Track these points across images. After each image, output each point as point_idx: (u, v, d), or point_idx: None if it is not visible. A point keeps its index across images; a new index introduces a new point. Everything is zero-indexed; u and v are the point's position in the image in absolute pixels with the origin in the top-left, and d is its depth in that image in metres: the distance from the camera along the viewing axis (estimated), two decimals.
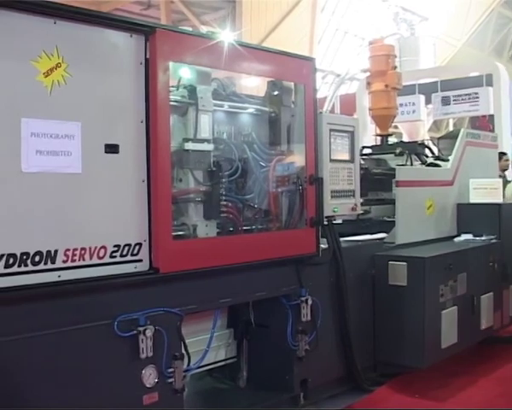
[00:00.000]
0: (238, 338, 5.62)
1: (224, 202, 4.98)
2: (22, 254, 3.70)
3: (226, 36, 5.11)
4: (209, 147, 4.81)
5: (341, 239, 6.00)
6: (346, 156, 5.89)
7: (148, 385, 4.27)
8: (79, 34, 4.01)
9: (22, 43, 3.76)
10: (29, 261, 3.73)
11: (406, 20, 25.55)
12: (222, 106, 5.17)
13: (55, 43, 3.86)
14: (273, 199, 5.40)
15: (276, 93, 5.57)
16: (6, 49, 3.69)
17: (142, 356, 4.19)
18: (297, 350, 5.38)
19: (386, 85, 8.09)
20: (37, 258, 3.75)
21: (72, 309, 3.95)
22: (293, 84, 5.58)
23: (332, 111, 13.57)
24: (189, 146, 4.68)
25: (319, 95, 5.63)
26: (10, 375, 3.71)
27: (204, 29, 13.65)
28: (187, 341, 4.54)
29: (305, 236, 5.41)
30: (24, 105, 3.75)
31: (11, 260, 3.66)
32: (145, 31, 4.29)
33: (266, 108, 5.55)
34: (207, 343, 5.07)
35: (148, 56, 4.29)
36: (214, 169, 4.85)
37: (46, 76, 3.83)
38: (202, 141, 4.75)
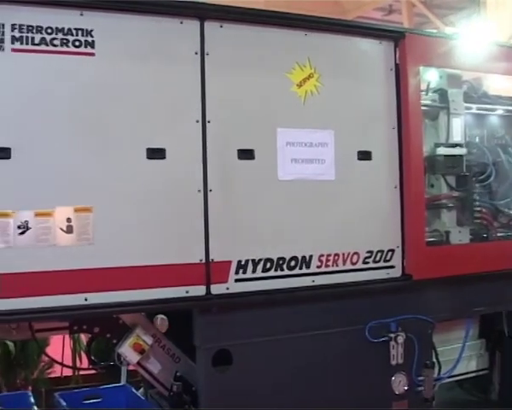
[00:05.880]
0: (490, 349, 5.40)
1: (478, 208, 4.81)
2: (279, 259, 3.86)
3: (473, 35, 4.93)
4: (461, 151, 4.66)
5: None
6: None
7: (397, 392, 4.27)
8: (329, 44, 4.11)
9: (277, 57, 3.94)
10: (285, 266, 3.88)
11: None
12: (473, 108, 5.00)
13: (306, 55, 3.99)
14: None
15: None
16: (263, 63, 3.90)
17: (393, 363, 4.21)
18: None
19: None
20: (292, 263, 3.89)
21: (326, 314, 4.04)
22: None
23: None
24: (441, 151, 4.57)
25: None
26: (267, 373, 3.90)
27: (448, 30, 13.29)
28: (437, 349, 4.46)
29: None
30: (279, 116, 3.93)
31: (268, 265, 3.84)
32: (394, 36, 4.30)
33: None
34: (459, 353, 4.92)
35: (397, 62, 4.28)
36: (467, 174, 4.71)
37: (299, 87, 3.97)
38: (454, 145, 4.62)
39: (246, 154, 3.79)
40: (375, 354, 4.17)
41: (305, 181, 3.94)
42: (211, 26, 3.74)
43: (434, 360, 4.44)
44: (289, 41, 3.98)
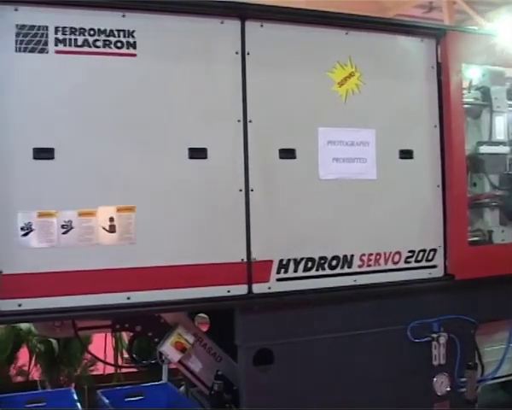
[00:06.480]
0: None
1: None
2: (320, 258, 3.86)
3: None
4: (505, 149, 4.60)
5: None
6: None
7: (439, 393, 4.23)
8: (370, 42, 4.09)
9: (318, 56, 3.94)
10: (326, 265, 3.87)
11: None
12: None
13: (347, 54, 3.99)
14: None
15: None
16: (304, 62, 3.90)
17: (435, 363, 4.17)
18: None
19: None
20: (334, 262, 3.89)
21: (367, 313, 4.02)
22: None
23: None
24: (484, 149, 4.51)
25: None
26: (308, 373, 3.89)
27: (489, 27, 13.10)
28: (480, 350, 4.41)
29: None
30: (320, 115, 3.92)
31: (309, 264, 3.83)
32: (436, 34, 4.27)
33: None
34: (502, 354, 4.86)
35: (439, 60, 4.25)
36: (510, 172, 4.64)
37: (340, 86, 3.96)
38: (497, 143, 4.56)
39: (287, 153, 3.79)
40: (417, 354, 4.14)
41: (346, 180, 3.94)
42: (251, 26, 3.76)
43: (477, 361, 4.38)
44: (330, 40, 3.98)
